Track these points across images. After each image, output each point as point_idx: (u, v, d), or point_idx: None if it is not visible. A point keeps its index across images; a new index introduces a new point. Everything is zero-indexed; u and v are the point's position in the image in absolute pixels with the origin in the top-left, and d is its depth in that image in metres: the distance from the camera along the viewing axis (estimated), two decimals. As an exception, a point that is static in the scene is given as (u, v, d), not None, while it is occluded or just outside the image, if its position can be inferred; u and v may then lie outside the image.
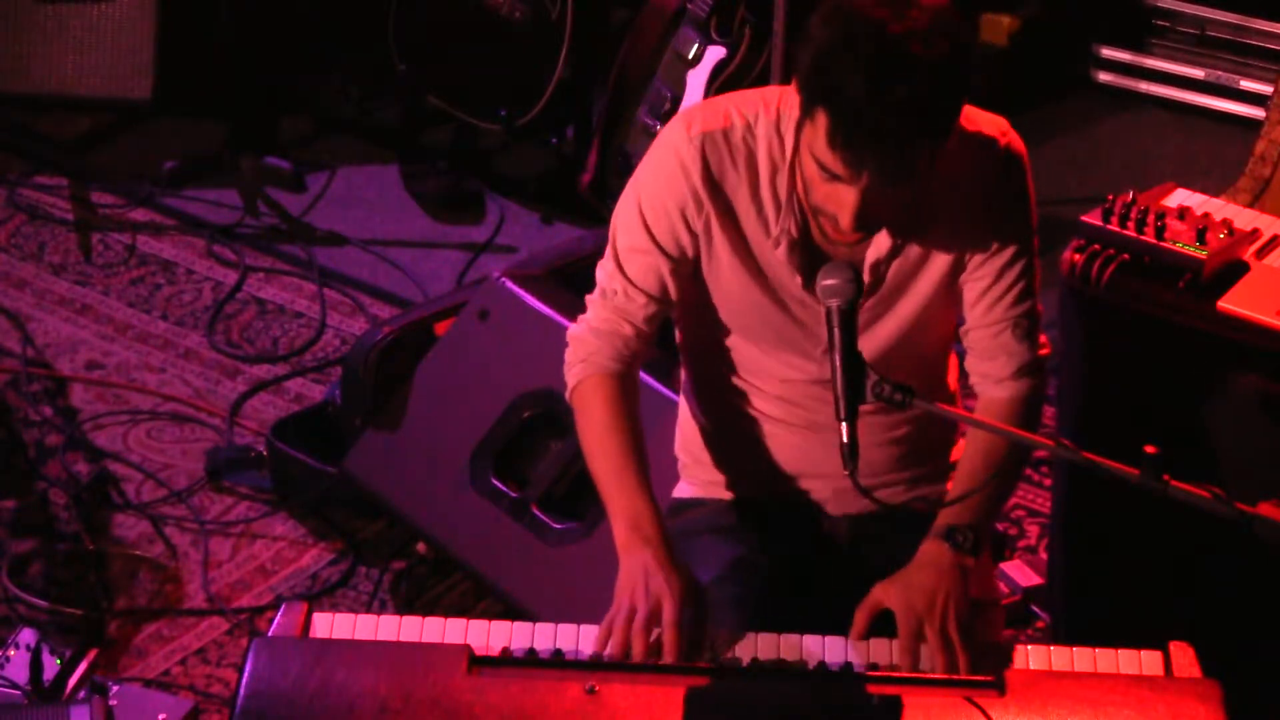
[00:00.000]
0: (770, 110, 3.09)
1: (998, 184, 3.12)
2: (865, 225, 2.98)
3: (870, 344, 3.14)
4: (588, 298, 3.24)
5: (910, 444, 3.30)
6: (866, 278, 3.10)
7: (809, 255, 3.10)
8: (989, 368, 3.21)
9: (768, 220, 3.10)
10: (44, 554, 4.50)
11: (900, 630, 2.97)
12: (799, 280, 3.10)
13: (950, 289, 3.16)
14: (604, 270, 3.21)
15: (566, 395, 3.23)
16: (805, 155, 2.96)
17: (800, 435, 3.27)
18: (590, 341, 3.20)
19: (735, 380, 3.27)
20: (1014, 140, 3.14)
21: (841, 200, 2.93)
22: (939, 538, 3.07)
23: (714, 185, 3.09)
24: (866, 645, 3.01)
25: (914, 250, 3.12)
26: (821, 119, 2.87)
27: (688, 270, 3.16)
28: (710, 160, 3.09)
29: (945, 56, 2.83)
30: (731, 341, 3.22)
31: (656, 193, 3.13)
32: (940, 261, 3.13)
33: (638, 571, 3.02)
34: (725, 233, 3.11)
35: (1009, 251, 3.14)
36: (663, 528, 3.07)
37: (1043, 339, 3.24)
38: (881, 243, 3.09)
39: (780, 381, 3.23)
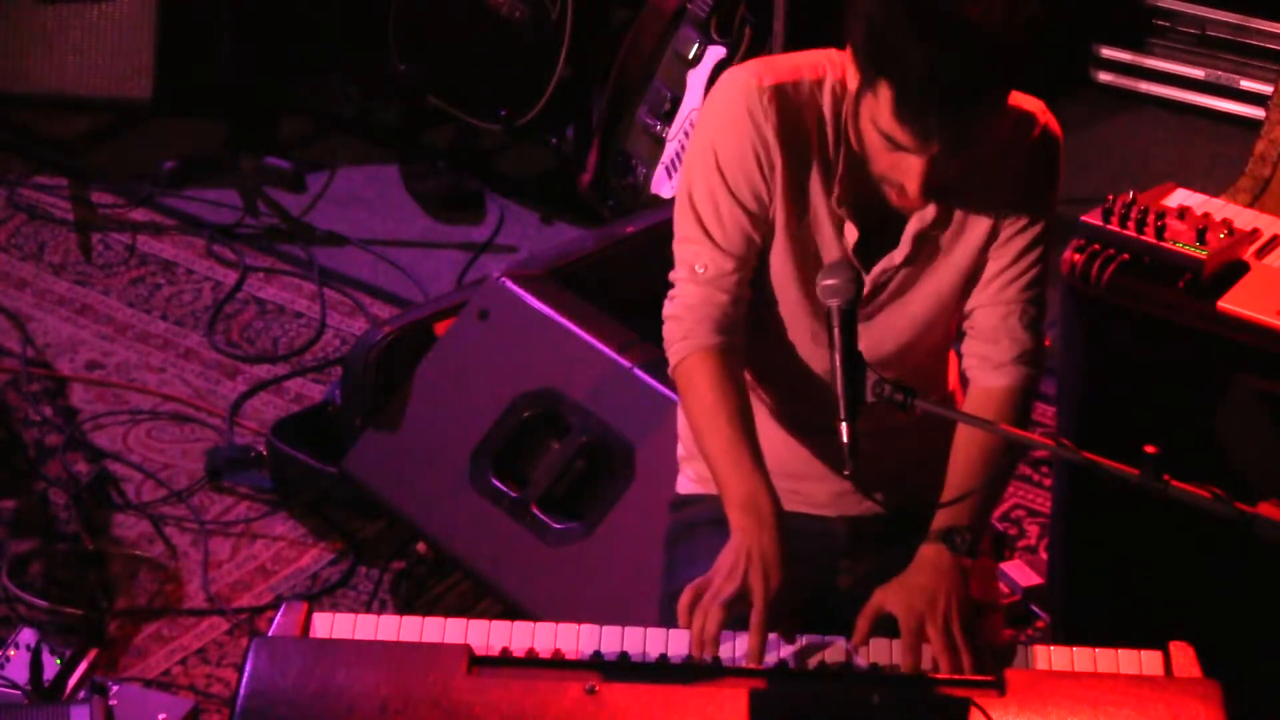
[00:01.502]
0: (837, 69, 3.07)
1: (1033, 163, 3.13)
2: (931, 192, 2.98)
3: (902, 320, 3.14)
4: (672, 275, 3.18)
5: (912, 448, 3.29)
6: (908, 248, 3.11)
7: (864, 218, 3.09)
8: (989, 350, 3.19)
9: (832, 177, 3.08)
10: (44, 554, 4.50)
11: (902, 630, 2.97)
12: (850, 240, 3.09)
13: (979, 266, 3.16)
14: (686, 247, 3.14)
15: (669, 371, 3.18)
16: (867, 127, 2.95)
17: (802, 435, 3.27)
18: (686, 319, 3.14)
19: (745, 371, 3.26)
20: (1052, 122, 3.15)
21: (908, 169, 2.93)
22: (936, 540, 3.07)
23: (786, 136, 3.07)
24: (867, 645, 3.01)
25: (953, 224, 3.12)
26: (885, 91, 2.87)
27: (767, 228, 3.12)
28: (784, 111, 3.07)
29: (1002, 17, 2.84)
30: (753, 319, 3.21)
31: (732, 147, 3.08)
32: (974, 237, 3.13)
33: (743, 552, 2.99)
34: (787, 188, 3.09)
35: (1032, 234, 3.14)
36: (778, 508, 3.04)
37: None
38: (926, 213, 3.09)
39: (788, 371, 3.21)
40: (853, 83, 2.96)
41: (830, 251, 3.12)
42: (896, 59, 2.84)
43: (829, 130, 3.08)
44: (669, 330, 3.18)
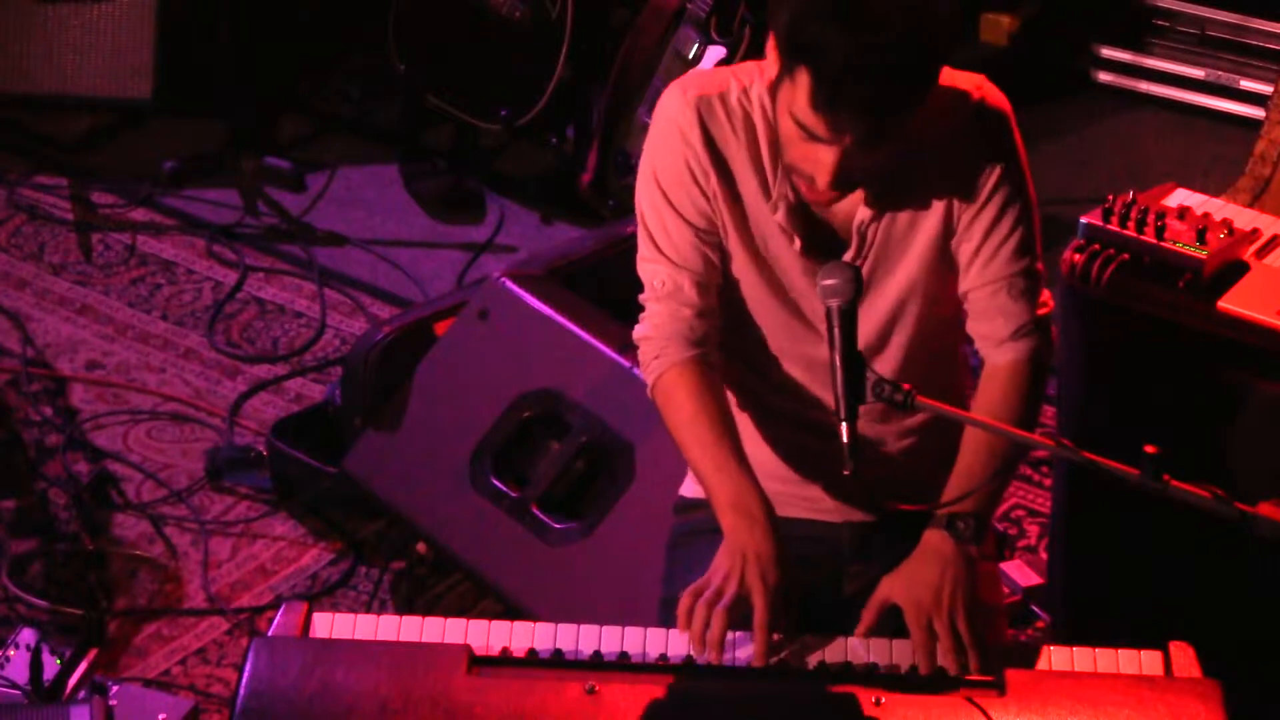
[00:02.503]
0: (765, 76, 3.07)
1: (975, 139, 3.10)
2: (841, 185, 2.98)
3: (869, 315, 3.12)
4: (641, 298, 3.20)
5: (914, 450, 3.28)
6: (855, 242, 3.10)
7: (807, 220, 3.10)
8: (988, 329, 3.18)
9: (767, 183, 3.09)
10: (44, 554, 4.50)
11: (911, 629, 2.96)
12: (797, 245, 3.10)
13: (944, 254, 3.14)
14: (646, 267, 3.17)
15: (649, 393, 3.20)
16: (783, 115, 2.95)
17: (802, 438, 3.26)
18: (656, 340, 3.17)
19: (738, 374, 3.26)
20: (989, 94, 3.10)
21: (819, 161, 2.93)
22: (939, 527, 3.06)
23: (713, 149, 3.09)
24: (866, 645, 3.00)
25: (902, 214, 3.10)
26: (803, 80, 2.87)
27: (718, 241, 3.13)
28: (707, 123, 3.09)
29: (921, 10, 2.83)
30: (736, 325, 3.21)
31: (667, 164, 3.12)
32: (929, 225, 3.11)
33: (738, 554, 2.99)
34: (726, 198, 3.11)
35: (994, 208, 3.10)
36: (768, 509, 3.05)
37: (1045, 297, 3.21)
38: (863, 212, 3.08)
39: (780, 372, 3.22)
40: (772, 70, 2.96)
41: (784, 258, 3.12)
42: (815, 47, 2.83)
43: (761, 138, 3.09)
44: (642, 352, 3.20)
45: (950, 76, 3.09)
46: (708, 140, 3.09)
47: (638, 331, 3.21)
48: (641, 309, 3.21)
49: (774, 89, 2.96)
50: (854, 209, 3.09)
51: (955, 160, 3.10)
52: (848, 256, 3.10)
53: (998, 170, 3.11)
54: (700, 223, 3.12)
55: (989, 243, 3.13)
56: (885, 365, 3.17)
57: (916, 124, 2.97)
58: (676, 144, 3.10)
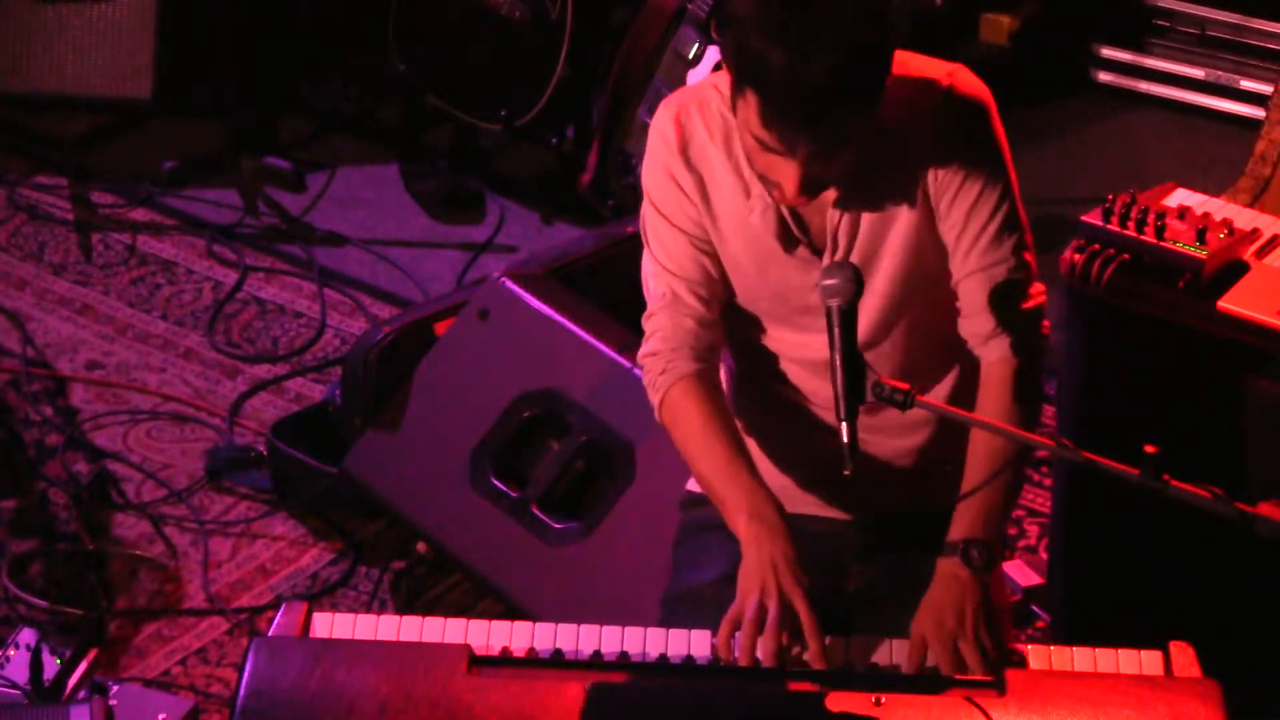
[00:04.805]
0: (726, 93, 3.07)
1: (944, 127, 3.06)
2: (809, 192, 2.98)
3: (864, 310, 3.10)
4: (644, 317, 3.20)
5: (917, 448, 3.28)
6: (829, 244, 3.09)
7: (786, 219, 3.10)
8: (975, 325, 3.15)
9: (746, 187, 3.09)
10: (44, 554, 4.50)
11: (937, 654, 2.95)
12: (778, 244, 3.10)
13: (934, 240, 3.11)
14: (648, 281, 3.19)
15: (655, 415, 3.19)
16: (743, 130, 2.96)
17: (805, 436, 3.26)
18: (663, 354, 3.16)
19: (739, 371, 3.26)
20: (960, 82, 3.07)
21: (783, 171, 2.94)
22: (954, 555, 3.05)
23: (689, 156, 3.11)
24: (867, 645, 3.01)
25: (876, 210, 3.08)
26: (751, 99, 2.88)
27: (713, 249, 3.15)
28: (686, 131, 3.11)
29: (858, 18, 2.83)
30: (735, 322, 3.21)
31: (654, 174, 3.15)
32: (906, 214, 3.08)
33: (767, 566, 2.98)
34: (708, 204, 3.12)
35: (969, 196, 3.07)
36: (783, 514, 3.05)
37: (1036, 289, 3.16)
38: (831, 216, 3.08)
39: (779, 370, 3.21)
40: (726, 88, 2.98)
41: (775, 257, 3.12)
42: (758, 66, 2.84)
43: (738, 144, 3.08)
44: (650, 367, 3.19)
45: (922, 65, 3.08)
46: (685, 148, 3.11)
47: (644, 351, 3.20)
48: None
49: (733, 106, 2.97)
50: (834, 210, 3.09)
51: (924, 148, 3.07)
52: (826, 258, 3.10)
53: (968, 157, 3.07)
54: (692, 229, 3.14)
55: (968, 230, 3.09)
56: (887, 356, 3.17)
57: (881, 116, 2.97)
58: (660, 154, 3.14)
